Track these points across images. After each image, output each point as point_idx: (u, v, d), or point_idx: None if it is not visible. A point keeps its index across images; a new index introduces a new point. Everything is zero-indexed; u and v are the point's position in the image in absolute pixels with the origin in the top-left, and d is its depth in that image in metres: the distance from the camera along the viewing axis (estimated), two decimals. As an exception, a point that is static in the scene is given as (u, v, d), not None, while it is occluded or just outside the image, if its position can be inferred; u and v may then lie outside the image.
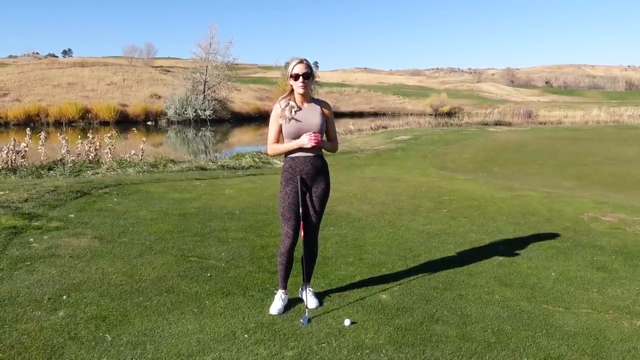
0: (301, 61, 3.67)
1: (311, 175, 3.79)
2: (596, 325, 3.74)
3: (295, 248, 3.88)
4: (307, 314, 3.73)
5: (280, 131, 3.78)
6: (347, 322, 3.63)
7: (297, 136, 3.72)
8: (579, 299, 4.21)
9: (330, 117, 3.87)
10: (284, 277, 3.95)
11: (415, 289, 4.31)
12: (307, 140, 3.65)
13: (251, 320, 3.65)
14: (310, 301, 3.94)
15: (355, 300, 4.02)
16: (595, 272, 4.85)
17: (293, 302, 3.95)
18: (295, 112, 3.72)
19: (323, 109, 3.80)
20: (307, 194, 3.86)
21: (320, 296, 4.09)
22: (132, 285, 4.21)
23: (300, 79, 3.65)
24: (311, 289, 4.08)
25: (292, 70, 3.68)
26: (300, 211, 3.78)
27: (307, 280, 4.02)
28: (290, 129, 3.71)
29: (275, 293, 4.01)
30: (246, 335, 3.42)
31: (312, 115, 3.74)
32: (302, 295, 4.02)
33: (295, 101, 3.76)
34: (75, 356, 3.11)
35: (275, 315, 3.78)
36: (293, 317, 3.72)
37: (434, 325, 3.64)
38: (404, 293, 4.21)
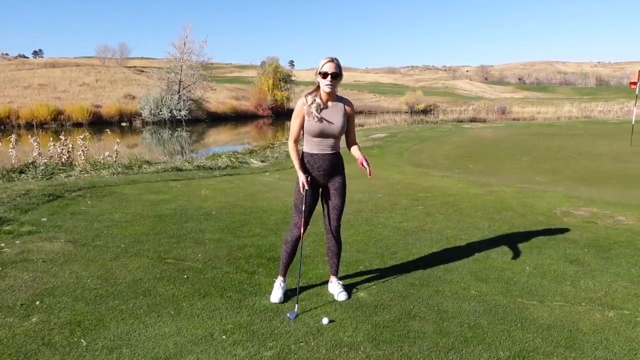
0: (332, 60, 3.72)
1: (328, 171, 3.90)
2: (569, 318, 3.81)
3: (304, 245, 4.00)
4: (296, 310, 3.76)
5: (302, 126, 3.84)
6: (325, 320, 3.63)
7: (318, 135, 3.80)
8: (552, 292, 4.29)
9: (352, 116, 3.95)
10: (285, 265, 4.08)
11: (392, 286, 4.33)
12: (301, 186, 3.81)
13: (229, 321, 3.63)
14: (341, 295, 4.03)
15: (333, 299, 4.03)
16: (569, 266, 4.94)
17: (267, 304, 3.95)
18: (321, 110, 3.78)
19: (346, 107, 3.87)
20: (323, 189, 3.99)
21: (349, 289, 4.19)
22: (107, 288, 4.15)
23: (329, 78, 3.71)
24: (340, 282, 4.19)
25: (321, 67, 3.72)
26: (305, 210, 3.89)
27: (335, 273, 4.17)
28: (312, 127, 3.78)
29: (274, 282, 4.13)
30: (224, 337, 3.40)
31: (335, 117, 3.81)
32: (330, 289, 4.14)
33: (321, 98, 3.80)
34: (50, 362, 3.06)
35: (277, 303, 3.91)
36: (271, 317, 3.71)
37: (412, 322, 3.67)
38: (382, 290, 4.23)
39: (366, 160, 3.86)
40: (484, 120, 34.63)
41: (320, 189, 4.02)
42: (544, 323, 3.71)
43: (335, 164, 3.91)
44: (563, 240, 5.75)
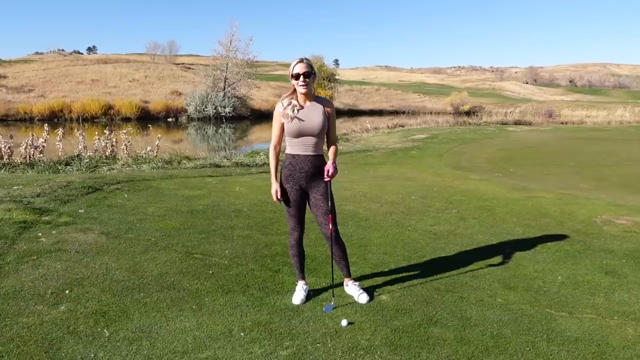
0: (301, 60, 3.73)
1: (310, 174, 3.83)
2: (599, 331, 3.66)
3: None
4: (332, 303, 3.84)
5: (282, 130, 3.83)
6: (344, 322, 3.61)
7: (299, 135, 3.76)
8: (584, 304, 4.13)
9: (332, 116, 3.89)
10: (299, 268, 4.08)
11: (416, 290, 4.27)
12: (273, 194, 3.85)
13: (249, 319, 3.65)
14: (362, 297, 4.01)
15: (354, 301, 4.00)
16: (604, 277, 4.75)
17: (288, 303, 3.96)
18: (298, 110, 3.74)
19: (325, 108, 3.83)
20: (308, 195, 3.90)
21: (370, 291, 4.16)
22: (134, 281, 4.25)
23: (301, 78, 3.70)
24: (357, 283, 4.16)
25: (292, 69, 3.72)
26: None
27: (348, 275, 4.14)
28: (292, 127, 3.75)
29: (296, 284, 4.14)
30: (242, 334, 3.43)
31: (314, 115, 3.77)
32: (348, 292, 4.12)
33: (297, 100, 3.78)
34: (73, 350, 3.15)
35: (298, 304, 3.90)
36: (291, 317, 3.71)
37: (432, 328, 3.61)
38: (405, 294, 4.17)
39: (334, 167, 3.76)
40: (530, 123, 33.74)
41: (306, 192, 3.92)
42: (572, 336, 3.58)
43: (318, 167, 3.81)
44: (600, 250, 5.53)
